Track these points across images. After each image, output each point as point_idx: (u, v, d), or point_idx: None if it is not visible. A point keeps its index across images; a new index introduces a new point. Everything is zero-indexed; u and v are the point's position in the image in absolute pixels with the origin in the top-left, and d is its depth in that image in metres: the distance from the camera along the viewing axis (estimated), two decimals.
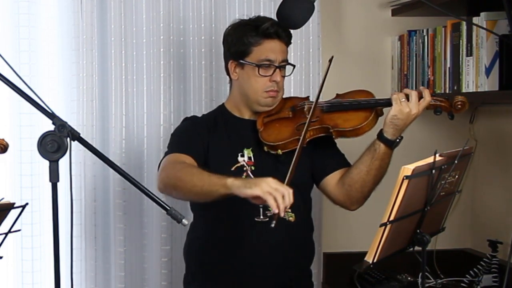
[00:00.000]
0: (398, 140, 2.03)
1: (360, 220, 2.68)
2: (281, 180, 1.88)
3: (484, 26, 2.29)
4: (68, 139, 1.54)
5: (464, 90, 2.42)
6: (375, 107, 2.08)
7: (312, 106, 2.09)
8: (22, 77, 1.61)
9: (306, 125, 2.05)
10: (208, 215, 2.16)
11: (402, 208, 1.65)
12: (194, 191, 1.92)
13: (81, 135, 1.57)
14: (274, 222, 1.82)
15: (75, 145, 1.57)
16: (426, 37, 2.70)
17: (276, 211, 1.79)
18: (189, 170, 1.99)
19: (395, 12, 2.92)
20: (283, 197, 1.79)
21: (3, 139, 1.86)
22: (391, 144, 2.03)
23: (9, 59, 1.79)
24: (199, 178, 1.92)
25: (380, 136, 2.03)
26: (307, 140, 2.07)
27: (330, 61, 2.12)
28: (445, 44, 2.56)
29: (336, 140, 2.20)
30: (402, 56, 2.87)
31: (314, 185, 2.27)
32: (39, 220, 2.66)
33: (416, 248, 1.84)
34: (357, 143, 2.09)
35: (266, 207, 2.11)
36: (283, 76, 2.17)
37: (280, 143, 2.10)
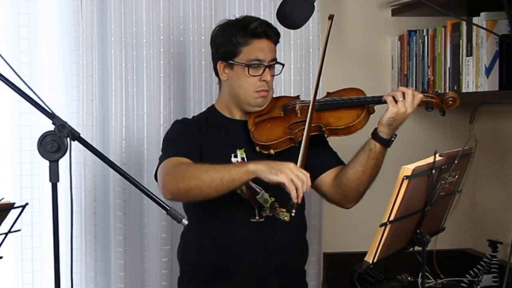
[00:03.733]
0: (393, 138, 2.03)
1: (360, 220, 2.68)
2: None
3: (484, 26, 2.29)
4: (68, 139, 1.54)
5: (464, 90, 2.42)
6: (367, 104, 2.08)
7: (310, 104, 2.07)
8: (22, 77, 1.61)
9: (308, 119, 2.04)
10: (203, 216, 2.16)
11: (402, 208, 1.65)
12: (214, 185, 1.91)
13: (81, 135, 1.57)
14: (293, 210, 1.89)
15: (75, 145, 1.57)
16: (426, 37, 2.70)
17: (296, 201, 1.85)
18: (199, 167, 1.98)
19: (395, 12, 2.92)
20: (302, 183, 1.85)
21: None
22: (387, 143, 2.03)
23: (9, 59, 1.79)
24: (215, 171, 1.92)
25: (375, 136, 2.03)
26: (299, 139, 2.07)
27: (331, 18, 2.11)
28: (445, 44, 2.56)
29: (328, 139, 2.20)
30: (402, 56, 2.87)
31: None
32: (39, 220, 2.66)
33: (416, 248, 1.85)
34: (348, 141, 2.09)
35: (262, 208, 2.11)
36: (273, 75, 2.17)
37: (272, 142, 2.10)
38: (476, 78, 2.36)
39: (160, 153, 2.17)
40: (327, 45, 2.13)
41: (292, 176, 1.84)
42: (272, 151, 2.11)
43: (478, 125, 2.91)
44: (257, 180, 2.10)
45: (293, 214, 1.89)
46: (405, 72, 2.85)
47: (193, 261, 2.21)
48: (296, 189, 1.84)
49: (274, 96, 2.24)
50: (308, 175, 1.88)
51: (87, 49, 2.69)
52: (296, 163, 1.93)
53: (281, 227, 2.13)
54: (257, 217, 2.11)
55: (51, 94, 2.68)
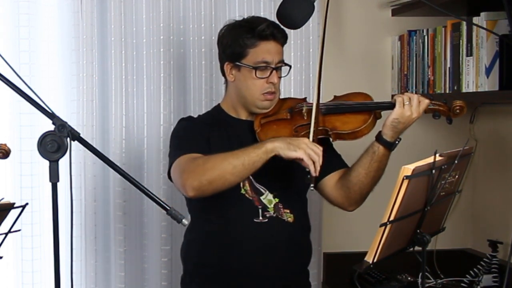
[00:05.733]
0: (397, 142, 2.03)
1: (360, 220, 2.68)
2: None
3: (484, 26, 2.29)
4: (68, 139, 1.54)
5: (464, 90, 2.42)
6: (374, 110, 2.08)
7: (313, 107, 2.07)
8: (22, 77, 1.61)
9: (312, 121, 2.04)
10: (206, 216, 2.16)
11: (402, 208, 1.65)
12: (236, 171, 1.92)
13: (81, 135, 1.57)
14: (312, 184, 1.96)
15: (75, 145, 1.57)
16: (426, 37, 2.70)
17: (314, 174, 1.91)
18: (217, 156, 1.97)
19: (395, 12, 2.92)
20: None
21: (5, 144, 1.86)
22: (390, 146, 2.03)
23: (9, 59, 1.78)
24: (234, 158, 1.93)
25: (379, 139, 2.03)
26: None
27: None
28: (445, 44, 2.56)
29: (333, 142, 2.20)
30: (402, 56, 2.87)
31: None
32: (39, 220, 2.66)
33: (416, 248, 1.84)
34: (354, 145, 2.09)
35: (265, 209, 2.11)
36: (280, 77, 2.17)
37: None
38: (476, 78, 2.36)
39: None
40: (325, 28, 2.13)
41: (309, 151, 1.90)
42: None
43: (478, 125, 2.91)
44: (262, 181, 2.11)
45: (311, 188, 1.96)
46: (405, 72, 2.85)
47: (196, 261, 2.21)
48: (314, 163, 1.90)
49: (280, 97, 2.23)
50: (321, 148, 1.94)
51: (87, 49, 2.69)
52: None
53: (285, 228, 2.12)
54: (260, 218, 2.11)
55: (51, 94, 2.68)
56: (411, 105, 1.98)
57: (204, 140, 2.13)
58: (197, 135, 2.14)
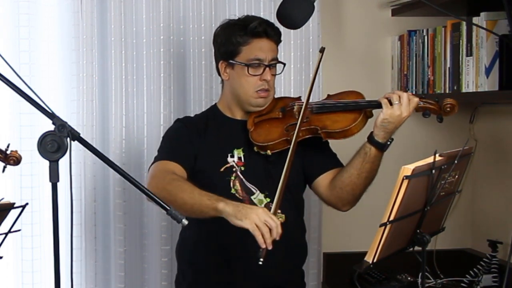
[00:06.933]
0: (389, 143, 2.02)
1: (360, 220, 2.68)
2: (272, 182, 1.93)
3: (484, 26, 2.29)
4: (68, 139, 1.54)
5: (464, 90, 2.42)
6: (364, 108, 2.07)
7: (302, 108, 2.08)
8: (22, 77, 1.61)
9: (295, 132, 2.03)
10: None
11: (402, 208, 1.65)
12: (184, 208, 1.90)
13: (81, 135, 1.57)
14: (261, 259, 1.81)
15: (75, 145, 1.57)
16: (426, 37, 2.70)
17: (263, 246, 1.80)
18: (179, 185, 1.97)
19: (395, 12, 2.92)
20: (270, 230, 1.80)
21: (16, 151, 1.87)
22: (382, 147, 2.02)
23: (9, 59, 1.78)
24: (189, 196, 1.92)
25: (371, 140, 2.02)
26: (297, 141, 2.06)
27: (322, 52, 2.10)
28: (445, 44, 2.56)
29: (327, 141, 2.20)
30: (402, 56, 2.87)
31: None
32: (39, 220, 2.66)
33: (416, 248, 1.85)
34: (349, 144, 2.09)
35: None
36: (274, 75, 2.17)
37: (269, 143, 2.10)
38: (476, 78, 2.36)
39: None
40: (315, 77, 2.13)
41: (258, 222, 1.81)
42: (269, 152, 2.11)
43: (478, 125, 2.91)
44: (253, 180, 2.11)
45: (260, 263, 1.81)
46: (405, 72, 2.85)
47: (189, 260, 2.22)
48: (263, 235, 1.80)
49: (276, 96, 2.24)
50: (278, 222, 1.83)
51: (87, 49, 2.69)
52: (273, 201, 1.92)
53: None
54: None
55: (51, 94, 2.68)
56: (400, 104, 1.96)
57: (189, 147, 2.14)
58: (184, 141, 2.16)
